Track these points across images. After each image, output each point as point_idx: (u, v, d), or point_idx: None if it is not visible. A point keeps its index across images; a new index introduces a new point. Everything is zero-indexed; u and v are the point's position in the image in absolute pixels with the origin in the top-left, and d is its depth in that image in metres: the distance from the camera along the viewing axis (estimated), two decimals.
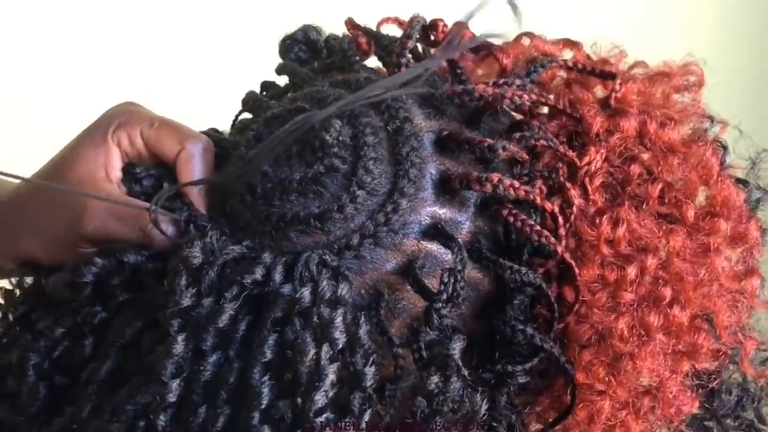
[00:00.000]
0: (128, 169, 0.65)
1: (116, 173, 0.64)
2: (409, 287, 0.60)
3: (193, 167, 0.64)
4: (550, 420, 0.63)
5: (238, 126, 0.72)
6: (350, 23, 0.72)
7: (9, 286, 0.68)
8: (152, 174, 0.65)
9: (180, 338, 0.57)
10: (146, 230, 0.61)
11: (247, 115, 0.73)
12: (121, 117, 0.65)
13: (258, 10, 1.64)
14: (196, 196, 0.63)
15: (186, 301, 0.57)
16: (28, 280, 0.67)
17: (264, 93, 0.74)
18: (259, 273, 0.58)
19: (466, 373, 0.58)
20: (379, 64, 0.73)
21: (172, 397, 0.56)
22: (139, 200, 0.63)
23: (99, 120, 0.66)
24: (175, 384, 0.56)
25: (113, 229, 0.62)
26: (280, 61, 0.75)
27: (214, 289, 0.58)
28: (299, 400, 0.56)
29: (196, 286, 0.58)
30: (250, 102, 0.71)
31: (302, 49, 0.75)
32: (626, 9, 1.88)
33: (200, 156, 0.64)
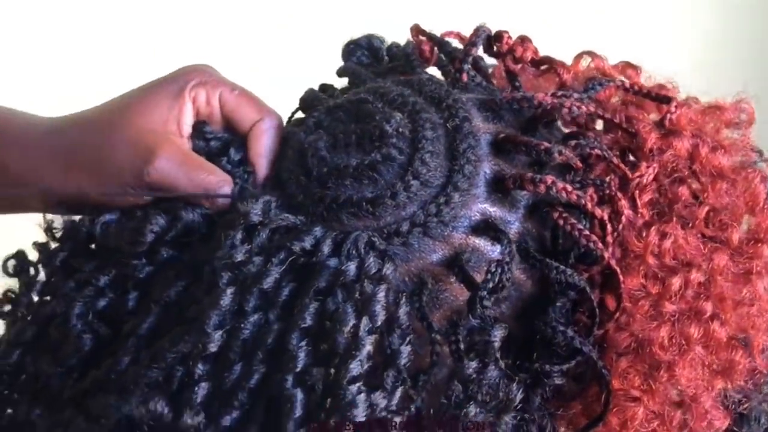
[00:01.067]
0: (199, 127, 0.67)
1: (187, 128, 0.66)
2: (453, 280, 0.61)
3: (268, 139, 0.66)
4: (581, 426, 0.63)
5: (293, 122, 0.74)
6: (416, 29, 0.74)
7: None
8: (221, 137, 0.67)
9: (229, 291, 0.58)
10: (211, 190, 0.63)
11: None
12: (202, 75, 0.67)
13: (257, 10, 1.67)
14: (262, 168, 0.65)
15: (239, 256, 0.59)
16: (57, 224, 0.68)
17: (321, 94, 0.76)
18: (308, 242, 0.60)
19: (503, 364, 0.59)
20: (439, 75, 0.75)
21: (213, 347, 0.57)
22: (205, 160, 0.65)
23: (175, 74, 0.67)
24: (217, 335, 0.57)
25: (180, 182, 0.63)
26: (281, 60, 0.77)
27: (264, 251, 0.59)
28: (333, 369, 0.57)
29: (249, 243, 0.59)
30: (309, 99, 0.73)
31: (365, 54, 0.77)
32: (674, 40, 1.89)
33: (274, 131, 0.67)
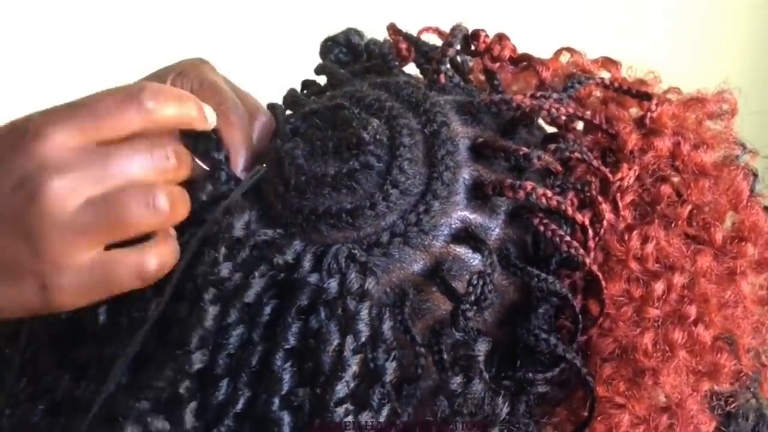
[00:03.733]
0: None
1: None
2: (434, 289, 0.61)
3: (227, 132, 0.64)
4: None
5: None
6: (392, 28, 0.73)
7: None
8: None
9: (212, 309, 0.57)
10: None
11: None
12: (182, 68, 0.67)
13: (258, 10, 1.66)
14: (235, 160, 0.64)
15: (223, 272, 0.58)
16: None
17: (304, 91, 0.75)
18: (290, 256, 0.59)
19: (488, 376, 0.59)
20: (416, 71, 0.74)
21: (197, 366, 0.57)
22: None
23: (169, 65, 0.68)
24: (201, 353, 0.57)
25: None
26: (281, 60, 0.76)
27: (245, 266, 0.59)
28: (319, 390, 0.56)
29: (231, 260, 0.58)
30: (289, 99, 0.72)
31: (342, 51, 0.76)
32: (658, 33, 1.89)
33: (236, 121, 0.65)
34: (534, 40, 0.73)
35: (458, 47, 0.69)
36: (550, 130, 0.69)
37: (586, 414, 0.61)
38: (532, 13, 1.75)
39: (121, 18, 1.59)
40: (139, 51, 1.54)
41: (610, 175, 0.63)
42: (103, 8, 1.58)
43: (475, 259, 0.61)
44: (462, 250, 0.61)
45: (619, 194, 0.63)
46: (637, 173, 0.64)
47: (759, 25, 1.97)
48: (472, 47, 0.70)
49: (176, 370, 0.57)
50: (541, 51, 0.71)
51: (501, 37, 0.69)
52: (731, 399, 0.65)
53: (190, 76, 0.67)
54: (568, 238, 0.61)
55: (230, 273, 0.58)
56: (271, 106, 0.69)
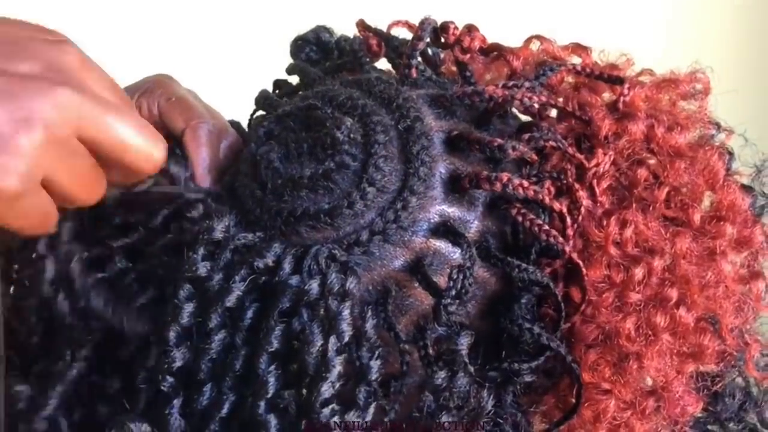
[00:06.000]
0: None
1: None
2: (416, 284, 0.61)
3: (196, 149, 0.65)
4: (555, 419, 0.63)
5: (253, 123, 0.73)
6: (361, 24, 0.73)
7: None
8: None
9: (188, 306, 0.58)
10: None
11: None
12: (148, 85, 0.67)
13: (257, 11, 1.66)
14: (201, 177, 0.65)
15: (202, 271, 0.58)
16: None
17: (276, 91, 0.75)
18: (270, 259, 0.59)
19: (472, 369, 0.59)
20: (388, 66, 0.74)
21: (178, 363, 0.57)
22: None
23: (135, 83, 0.68)
24: (180, 352, 0.57)
25: None
26: (280, 60, 0.76)
27: (225, 268, 0.59)
28: (305, 391, 0.56)
29: (211, 261, 0.59)
30: (261, 100, 0.72)
31: (313, 49, 0.76)
32: (630, 14, 1.89)
33: (204, 138, 0.66)
34: (506, 30, 0.73)
35: (428, 40, 0.69)
36: (525, 118, 0.69)
37: (573, 401, 0.61)
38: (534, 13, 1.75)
39: (121, 18, 1.59)
40: (139, 51, 1.54)
41: (585, 162, 0.63)
42: (104, 8, 1.58)
43: (455, 253, 0.61)
44: (442, 245, 0.61)
45: (595, 180, 0.63)
46: (612, 158, 0.64)
47: (731, 3, 1.97)
48: (442, 39, 0.69)
49: (157, 369, 0.57)
50: (514, 40, 0.71)
51: (470, 28, 0.69)
52: (717, 379, 0.66)
53: (155, 93, 0.67)
54: (546, 227, 0.61)
55: (208, 272, 0.59)
56: (231, 123, 0.70)
